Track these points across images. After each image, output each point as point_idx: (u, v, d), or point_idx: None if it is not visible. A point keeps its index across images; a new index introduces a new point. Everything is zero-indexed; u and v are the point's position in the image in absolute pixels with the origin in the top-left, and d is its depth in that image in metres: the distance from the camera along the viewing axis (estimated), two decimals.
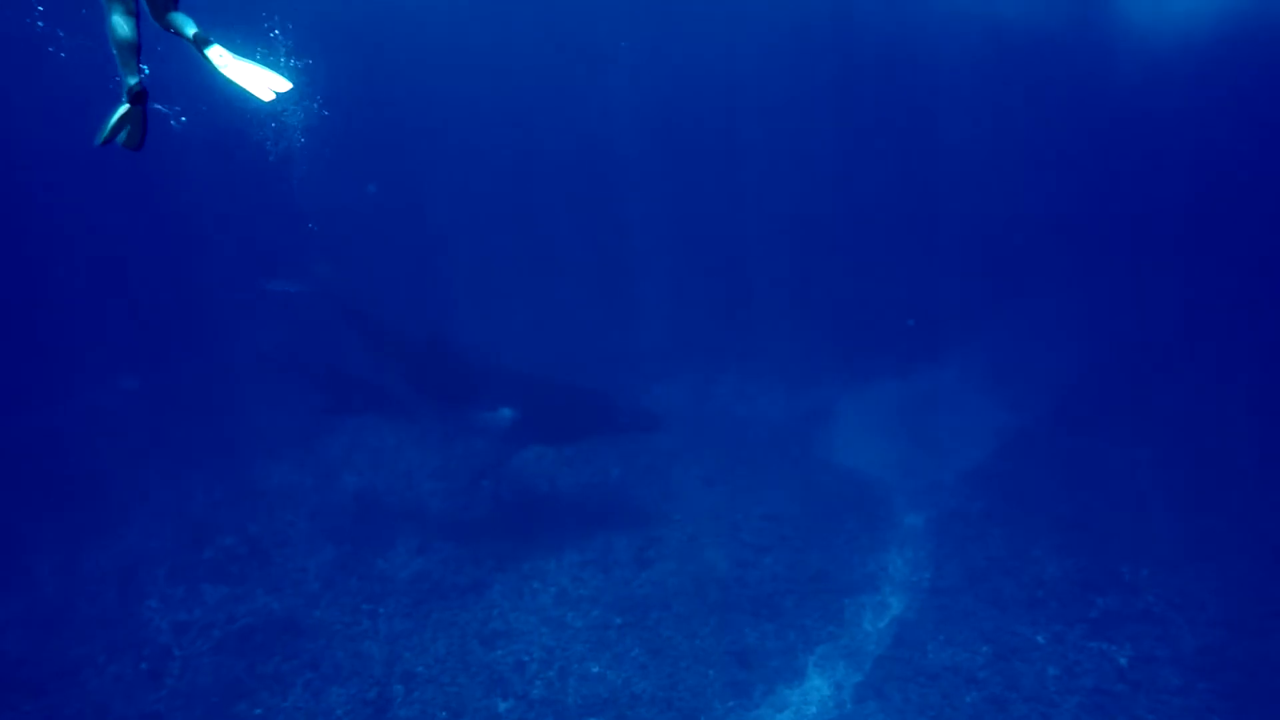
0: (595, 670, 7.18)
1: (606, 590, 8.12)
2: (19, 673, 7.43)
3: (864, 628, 7.71)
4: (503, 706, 6.85)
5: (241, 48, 3.35)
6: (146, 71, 3.22)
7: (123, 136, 3.30)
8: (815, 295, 15.02)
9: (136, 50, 3.14)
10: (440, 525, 9.22)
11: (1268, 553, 8.49)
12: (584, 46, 21.79)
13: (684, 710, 6.78)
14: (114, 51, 3.13)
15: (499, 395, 8.88)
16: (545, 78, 22.03)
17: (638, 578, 8.31)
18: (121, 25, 3.08)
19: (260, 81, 3.31)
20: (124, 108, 3.20)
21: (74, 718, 6.96)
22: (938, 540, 8.93)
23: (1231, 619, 7.61)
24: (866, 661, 7.31)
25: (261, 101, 3.35)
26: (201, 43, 3.25)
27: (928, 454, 10.45)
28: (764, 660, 7.29)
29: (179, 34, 3.25)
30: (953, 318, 13.99)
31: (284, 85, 3.34)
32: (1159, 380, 12.06)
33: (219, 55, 3.25)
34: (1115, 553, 8.57)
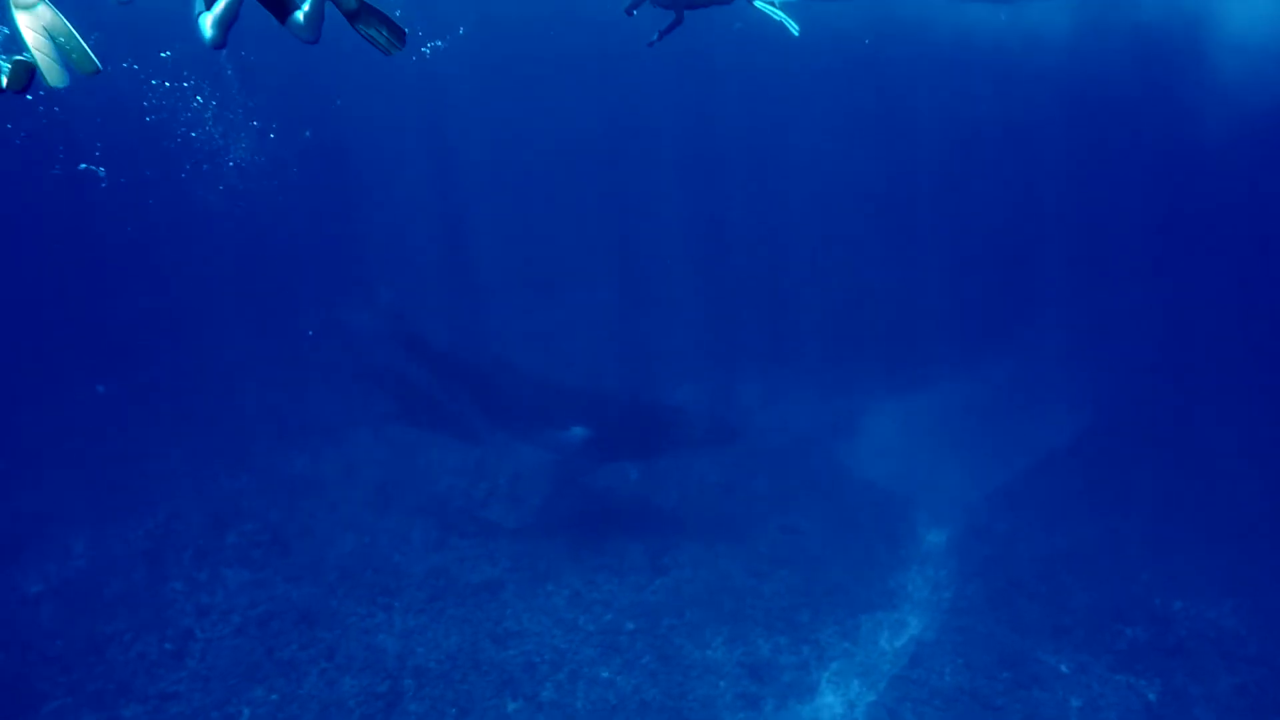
0: (605, 675, 7.16)
1: (620, 595, 8.10)
2: (51, 646, 7.67)
3: (880, 646, 7.56)
4: (511, 707, 6.87)
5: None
6: None
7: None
8: (848, 303, 14.81)
9: None
10: (458, 522, 9.29)
11: None
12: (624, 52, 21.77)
13: None
14: None
15: (569, 413, 8.95)
16: (582, 85, 22.13)
17: (652, 584, 8.27)
18: None
19: (60, 58, 2.95)
20: None
21: (98, 694, 7.16)
22: (960, 559, 8.72)
23: (1271, 658, 7.29)
24: (881, 681, 7.16)
25: (51, 84, 3.02)
26: None
27: (954, 469, 10.21)
28: (776, 674, 7.20)
29: None
30: (987, 331, 13.67)
31: (93, 68, 3.00)
32: (1199, 404, 11.63)
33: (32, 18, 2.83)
34: (1147, 582, 8.28)
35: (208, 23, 3.11)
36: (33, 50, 2.92)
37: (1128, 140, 18.67)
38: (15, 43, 2.96)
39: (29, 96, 3.03)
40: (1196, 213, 16.84)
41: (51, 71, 3.00)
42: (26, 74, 2.96)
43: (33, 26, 2.92)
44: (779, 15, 5.94)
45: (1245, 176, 16.78)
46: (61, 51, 3.00)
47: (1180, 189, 17.50)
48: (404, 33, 3.34)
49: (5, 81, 2.92)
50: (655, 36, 6.30)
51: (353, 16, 3.25)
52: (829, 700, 6.97)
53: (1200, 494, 9.71)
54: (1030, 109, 19.65)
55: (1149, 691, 7.00)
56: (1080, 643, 7.52)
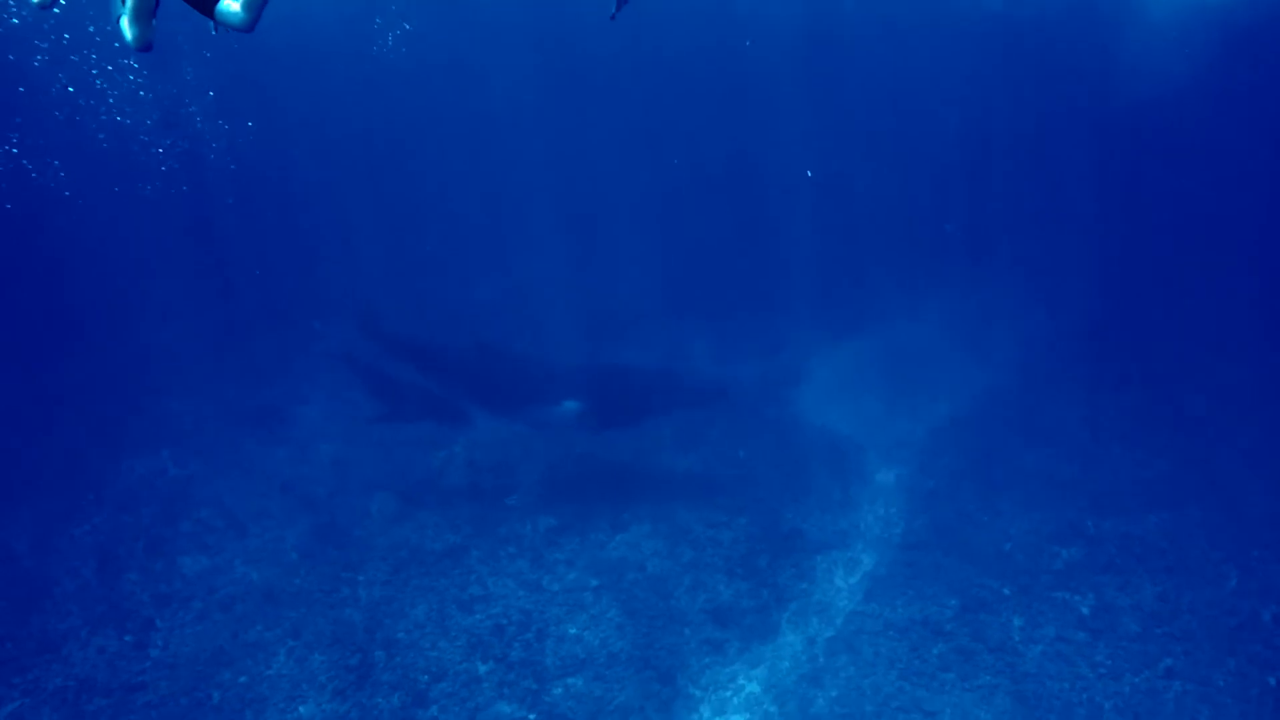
0: (572, 631, 7.34)
1: (582, 553, 8.25)
2: (1, 650, 7.48)
3: (836, 583, 7.90)
4: (483, 669, 7.01)
5: None
6: None
7: None
8: (788, 254, 15.00)
9: None
10: (417, 493, 9.28)
11: (1220, 500, 8.76)
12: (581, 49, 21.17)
13: (660, 668, 6.96)
14: None
15: (561, 389, 8.94)
16: (528, 58, 21.48)
17: (613, 540, 8.44)
18: None
19: None
20: None
21: (60, 690, 7.05)
22: (909, 496, 9.10)
23: (1186, 566, 7.87)
24: (838, 616, 7.51)
25: None
26: None
27: (900, 411, 10.58)
28: (738, 618, 7.47)
29: None
30: (924, 275, 14.04)
31: None
32: (1119, 336, 12.27)
33: None
34: (1081, 506, 8.78)
35: (126, 24, 3.00)
36: None
37: (1065, 93, 19.04)
38: None
39: None
40: (1130, 165, 17.42)
41: None
42: None
43: None
44: None
45: (1178, 140, 17.39)
46: None
47: (1117, 141, 18.01)
48: None
49: None
50: (614, 9, 6.16)
51: None
52: (790, 639, 7.29)
53: (1127, 419, 10.28)
54: (970, 65, 19.82)
55: (1083, 606, 7.49)
56: (1021, 566, 7.98)
